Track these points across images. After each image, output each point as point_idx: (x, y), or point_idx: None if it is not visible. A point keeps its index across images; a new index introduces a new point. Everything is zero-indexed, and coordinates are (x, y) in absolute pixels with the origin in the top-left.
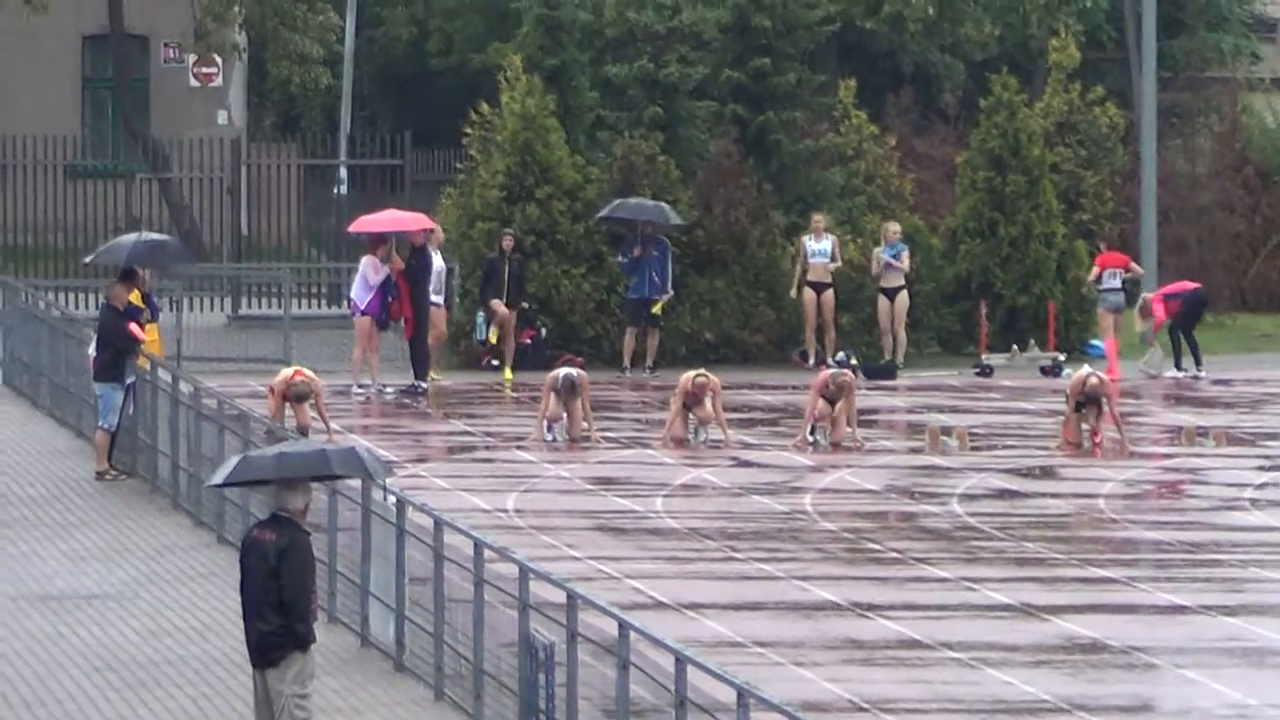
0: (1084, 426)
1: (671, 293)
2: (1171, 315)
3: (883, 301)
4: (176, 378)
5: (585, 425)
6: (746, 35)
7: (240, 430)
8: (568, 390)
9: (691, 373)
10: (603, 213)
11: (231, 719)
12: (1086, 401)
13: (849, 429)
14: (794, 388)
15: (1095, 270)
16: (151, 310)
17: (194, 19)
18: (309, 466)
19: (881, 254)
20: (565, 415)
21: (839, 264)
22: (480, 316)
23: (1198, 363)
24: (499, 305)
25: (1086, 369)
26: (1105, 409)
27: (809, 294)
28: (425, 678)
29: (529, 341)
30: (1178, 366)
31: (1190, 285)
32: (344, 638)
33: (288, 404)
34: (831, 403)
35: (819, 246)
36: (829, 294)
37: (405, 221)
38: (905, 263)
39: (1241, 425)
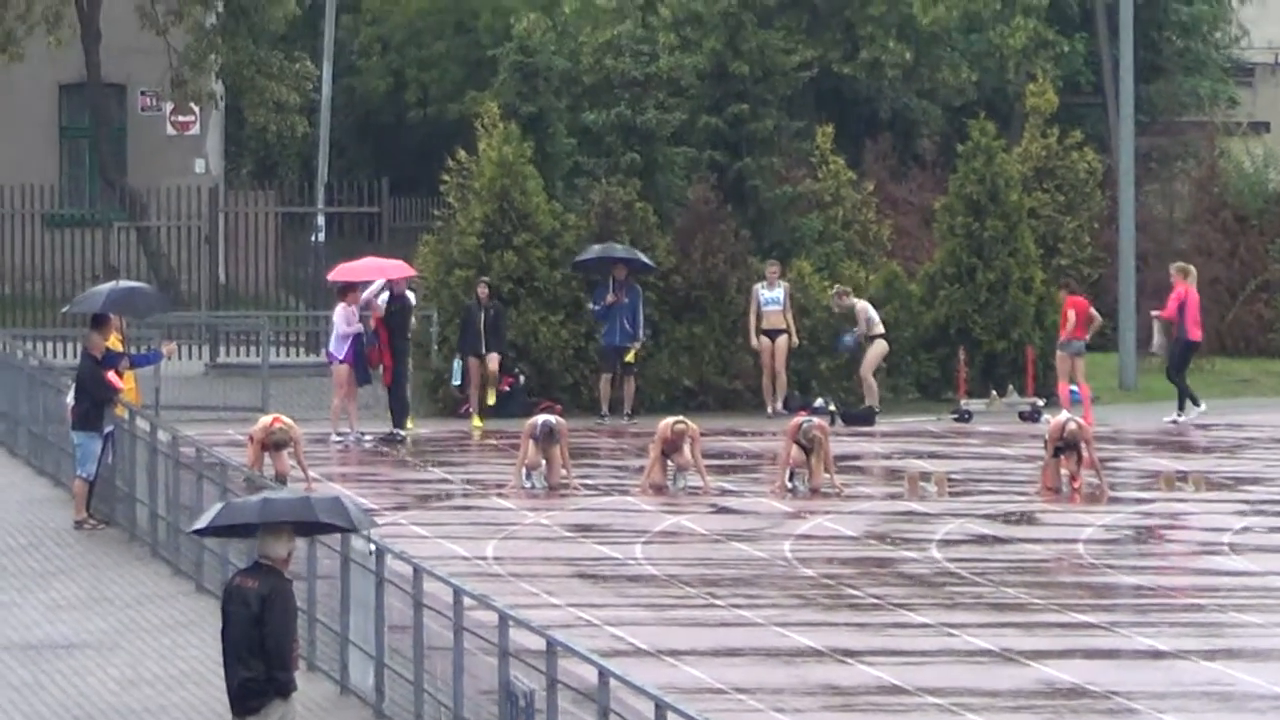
0: (1063, 472)
1: (643, 339)
2: (1170, 318)
3: (870, 348)
4: (155, 426)
5: (564, 472)
6: (724, 81)
7: (218, 479)
8: (546, 437)
9: (670, 419)
10: (576, 259)
11: None
12: (1065, 447)
13: (827, 475)
14: (773, 434)
15: (1092, 317)
16: (138, 361)
17: (171, 68)
18: (293, 513)
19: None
20: (544, 462)
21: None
22: (456, 363)
23: (1180, 408)
24: (473, 363)
25: (1065, 414)
26: (1084, 454)
27: (764, 341)
28: None
29: (507, 389)
30: (1195, 402)
31: (1195, 327)
32: (323, 685)
33: (266, 452)
34: (806, 451)
35: (772, 294)
36: (782, 340)
37: (385, 269)
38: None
39: (1221, 470)
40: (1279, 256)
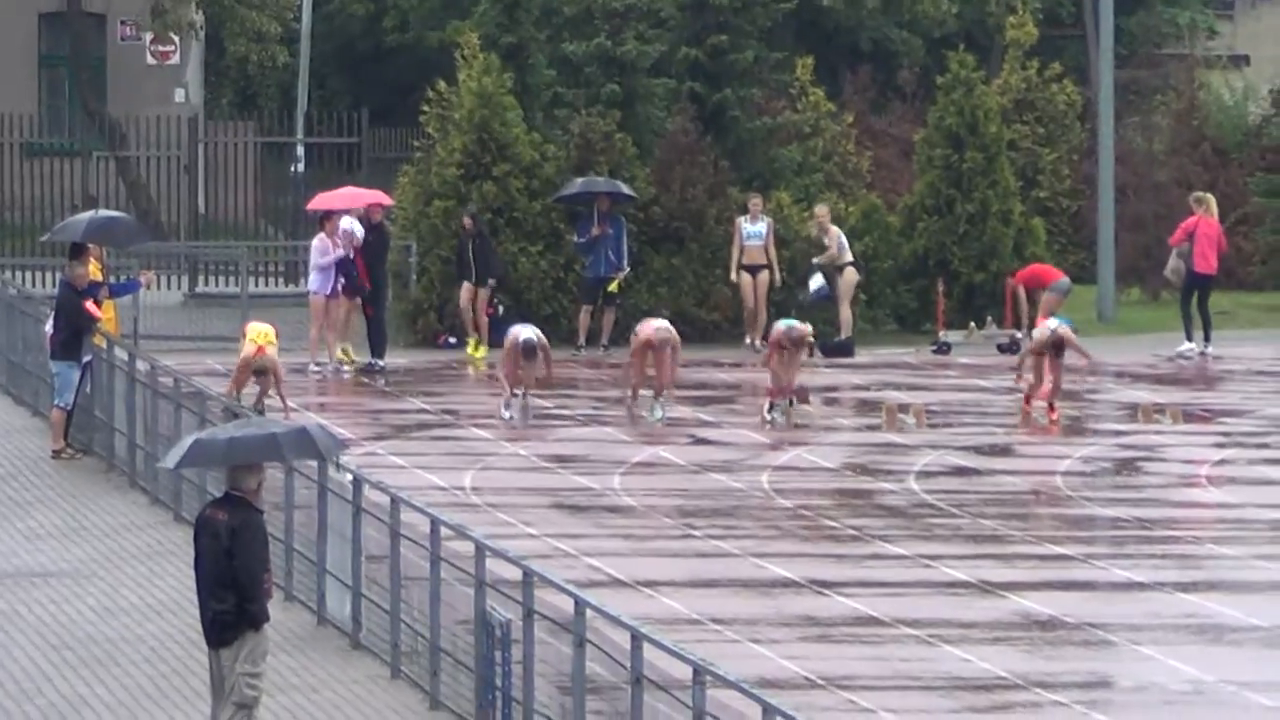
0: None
1: (628, 269)
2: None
3: (840, 280)
4: (133, 356)
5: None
6: (704, 12)
7: (196, 408)
8: (528, 354)
9: (654, 323)
10: (557, 194)
11: (189, 697)
12: (1050, 348)
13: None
14: (752, 365)
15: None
16: (116, 290)
17: None
18: (260, 452)
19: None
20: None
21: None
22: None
23: (1206, 339)
24: (465, 289)
25: (1054, 323)
26: (1061, 359)
27: (745, 276)
28: (382, 655)
29: (487, 318)
30: (1189, 338)
31: (1199, 259)
32: (300, 615)
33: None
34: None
35: (755, 229)
36: (764, 275)
37: (361, 197)
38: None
39: (1199, 402)
40: (1258, 189)
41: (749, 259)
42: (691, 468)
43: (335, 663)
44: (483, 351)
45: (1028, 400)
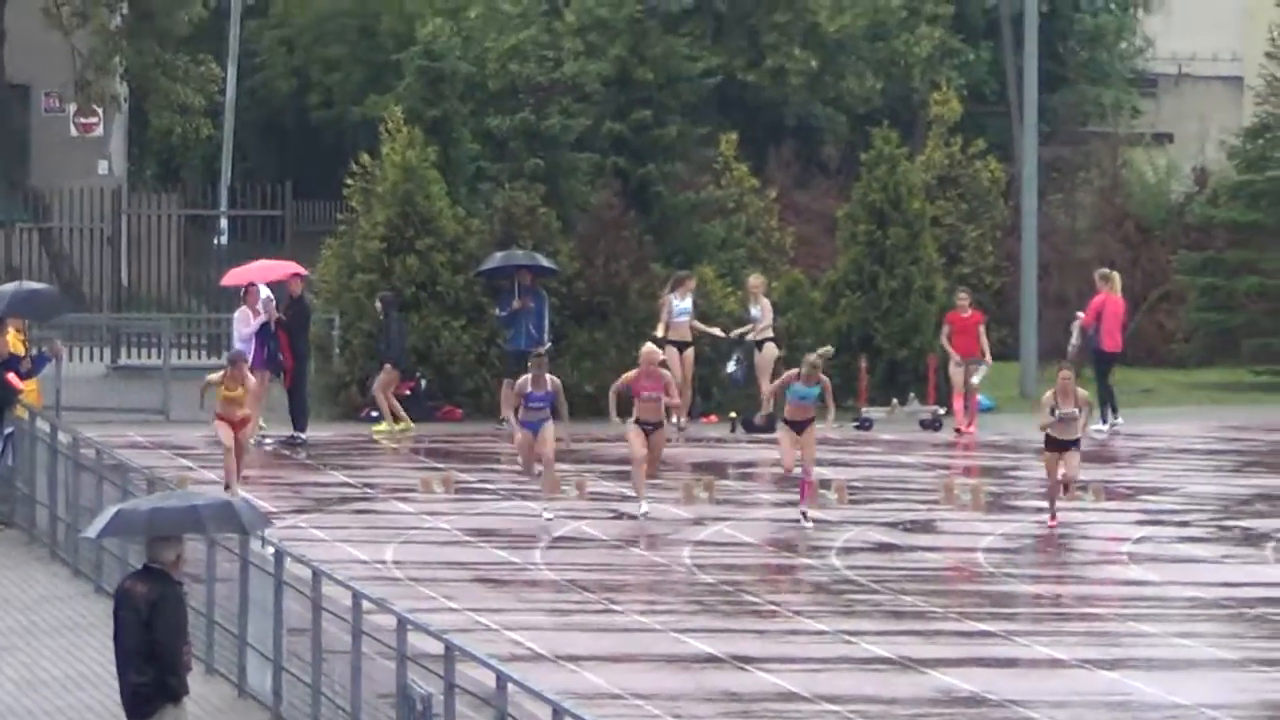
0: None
1: (550, 343)
2: (1087, 325)
3: (758, 355)
4: (55, 427)
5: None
6: (628, 88)
7: (119, 481)
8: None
9: (658, 355)
10: (479, 268)
11: None
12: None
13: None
14: (669, 441)
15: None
16: (37, 364)
17: (75, 69)
18: (181, 524)
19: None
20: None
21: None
22: None
23: (1114, 411)
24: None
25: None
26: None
27: (671, 352)
28: None
29: (409, 393)
30: (1103, 420)
31: (1107, 337)
32: (221, 688)
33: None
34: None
35: (683, 305)
36: (690, 353)
37: (274, 270)
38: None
39: (1121, 479)
40: (1181, 267)
41: (676, 335)
42: (614, 542)
43: None
44: (386, 427)
45: (1053, 511)
